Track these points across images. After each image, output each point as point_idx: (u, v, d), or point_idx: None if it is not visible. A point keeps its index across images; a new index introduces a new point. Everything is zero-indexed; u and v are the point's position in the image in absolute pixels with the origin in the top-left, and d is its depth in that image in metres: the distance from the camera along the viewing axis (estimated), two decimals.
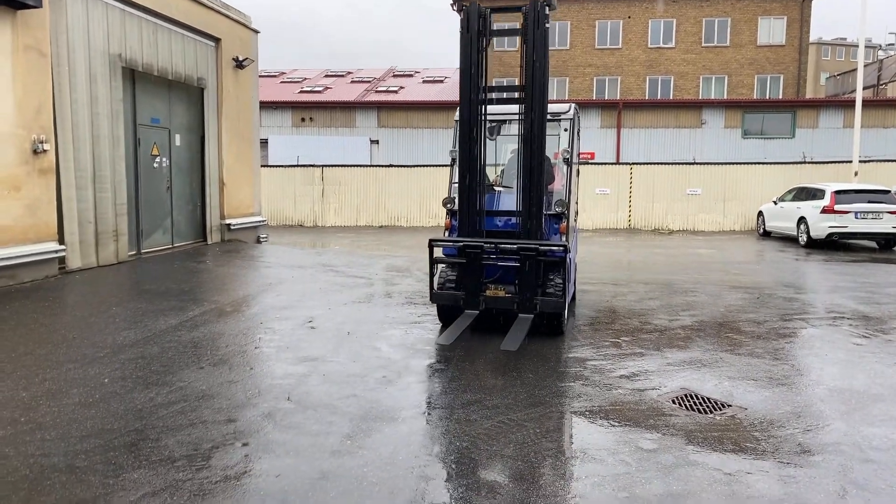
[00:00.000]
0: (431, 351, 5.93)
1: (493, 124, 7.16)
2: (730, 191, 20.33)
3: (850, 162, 18.64)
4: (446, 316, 6.57)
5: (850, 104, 23.98)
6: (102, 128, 10.06)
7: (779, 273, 11.17)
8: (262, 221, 15.28)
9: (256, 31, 14.76)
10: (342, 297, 8.30)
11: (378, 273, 10.54)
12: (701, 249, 14.91)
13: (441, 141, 25.91)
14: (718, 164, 21.02)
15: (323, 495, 3.22)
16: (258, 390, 4.75)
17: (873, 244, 15.28)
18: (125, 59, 10.59)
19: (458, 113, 6.34)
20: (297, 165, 22.60)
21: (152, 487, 3.26)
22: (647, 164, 21.27)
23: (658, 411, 4.45)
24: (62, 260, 9.32)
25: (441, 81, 33.47)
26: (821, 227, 14.66)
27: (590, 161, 23.31)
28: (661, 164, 21.29)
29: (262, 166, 16.94)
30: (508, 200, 6.57)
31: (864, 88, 32.33)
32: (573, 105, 7.15)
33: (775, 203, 17.25)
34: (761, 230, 18.25)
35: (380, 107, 27.89)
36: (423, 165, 22.23)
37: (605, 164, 22.07)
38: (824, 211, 14.62)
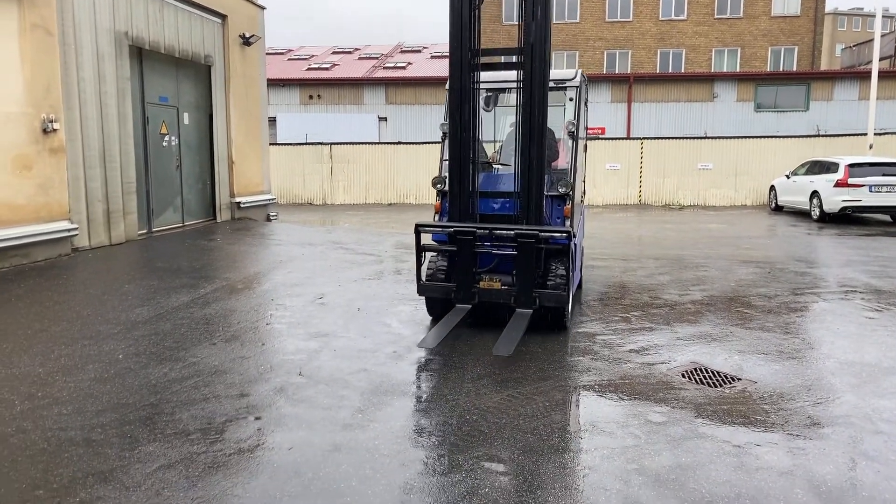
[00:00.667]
0: None
1: (490, 94, 6.58)
2: (741, 165, 20.11)
3: (865, 135, 18.37)
4: (437, 309, 5.95)
5: (865, 76, 23.56)
6: (110, 106, 10.06)
7: (790, 247, 11.09)
8: (272, 200, 15.30)
9: (263, 8, 14.63)
10: (352, 274, 8.33)
11: (387, 250, 10.56)
12: (712, 224, 14.81)
13: None
14: (730, 138, 20.77)
15: (335, 467, 3.26)
16: (270, 365, 4.81)
17: (887, 218, 15.12)
18: (132, 37, 10.55)
19: (448, 81, 5.61)
20: (306, 143, 22.55)
21: (167, 460, 3.32)
22: (658, 138, 21.06)
23: (667, 385, 4.46)
24: (74, 239, 9.40)
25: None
26: (834, 200, 14.50)
27: (600, 136, 23.11)
28: (672, 138, 21.07)
29: (270, 144, 16.92)
30: (507, 180, 5.80)
31: (881, 59, 31.72)
32: (579, 71, 6.38)
33: (788, 177, 17.05)
34: (773, 205, 18.08)
35: (388, 83, 27.70)
36: (432, 142, 22.09)
37: (616, 139, 21.88)
38: (838, 184, 14.44)
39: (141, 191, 11.03)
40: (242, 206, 13.80)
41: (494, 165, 6.39)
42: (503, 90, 6.56)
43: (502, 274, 5.61)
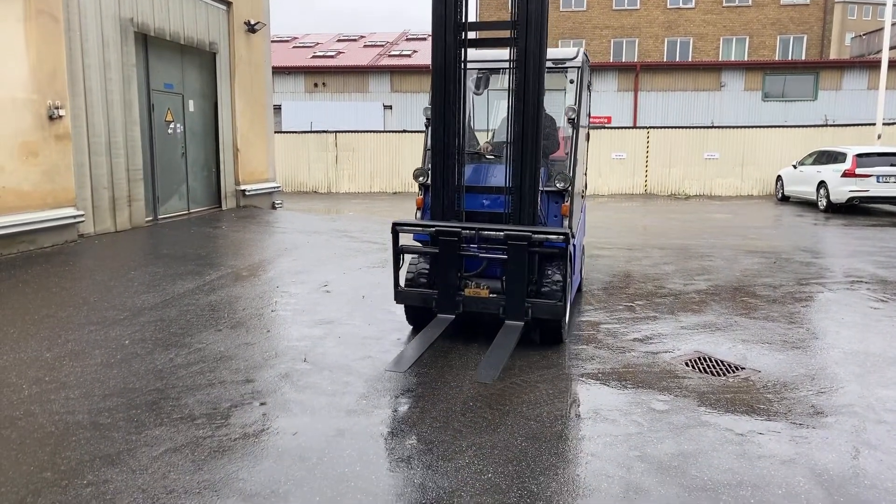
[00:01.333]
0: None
1: (481, 74, 5.99)
2: (748, 155, 20.00)
3: (874, 125, 18.22)
4: (419, 318, 5.25)
5: (875, 65, 23.35)
6: (115, 93, 10.06)
7: (796, 237, 11.05)
8: (277, 187, 15.30)
9: None
10: (357, 262, 8.34)
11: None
12: (718, 214, 14.76)
13: None
14: (737, 127, 20.65)
15: (339, 452, 3.29)
16: (275, 352, 4.83)
17: (895, 208, 15.03)
18: (137, 24, 10.52)
19: (431, 59, 4.91)
20: (311, 131, 22.52)
21: (174, 444, 3.35)
22: (665, 127, 20.94)
23: (671, 374, 4.47)
24: (80, 226, 9.43)
25: None
26: (841, 191, 14.42)
27: (606, 125, 23.00)
28: (679, 127, 20.95)
29: (275, 132, 16.90)
30: (498, 174, 5.10)
31: (891, 48, 31.38)
32: (581, 50, 5.68)
33: (795, 167, 16.96)
34: (780, 195, 17.99)
35: (393, 71, 27.58)
36: None
37: (622, 128, 21.76)
38: (845, 175, 14.36)
39: (146, 178, 11.04)
40: (248, 193, 13.82)
41: (488, 156, 5.66)
42: (496, 70, 5.87)
43: (492, 279, 4.99)
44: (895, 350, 4.98)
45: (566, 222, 5.08)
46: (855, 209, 14.85)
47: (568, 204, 5.09)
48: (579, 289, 6.66)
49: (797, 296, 6.72)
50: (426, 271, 5.20)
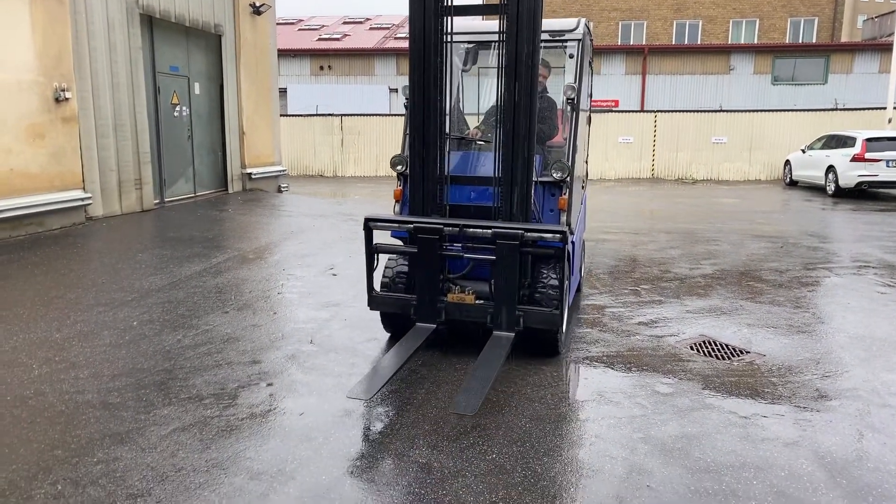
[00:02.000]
0: None
1: (468, 47, 5.36)
2: (756, 139, 19.85)
3: (885, 108, 18.03)
4: (397, 325, 4.63)
5: (887, 48, 23.06)
6: (121, 76, 10.05)
7: (804, 222, 10.99)
8: (283, 171, 15.30)
9: None
10: (363, 246, 8.34)
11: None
12: (725, 199, 14.69)
13: None
14: (746, 111, 20.47)
15: (345, 432, 3.32)
16: (281, 334, 4.87)
17: None
18: (142, 6, 10.48)
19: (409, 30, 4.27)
20: (317, 115, 22.46)
21: (182, 423, 3.39)
22: (672, 111, 20.79)
23: (676, 357, 4.48)
24: (87, 208, 9.48)
25: None
26: (850, 175, 14.31)
27: (613, 108, 22.85)
28: (687, 111, 20.79)
29: (281, 116, 16.87)
30: (489, 162, 4.44)
31: None
32: (582, 20, 4.97)
33: (803, 151, 16.83)
34: (788, 179, 17.88)
35: (399, 54, 27.40)
36: None
37: (629, 111, 21.61)
38: (854, 159, 14.24)
39: (153, 161, 11.06)
40: (254, 177, 13.83)
41: (479, 141, 5.01)
42: (486, 45, 5.22)
43: (479, 281, 4.37)
44: None
45: (564, 217, 4.43)
46: (863, 194, 14.74)
47: (566, 196, 4.42)
48: (578, 288, 6.08)
49: (803, 280, 6.71)
50: (405, 273, 4.63)
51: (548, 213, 4.49)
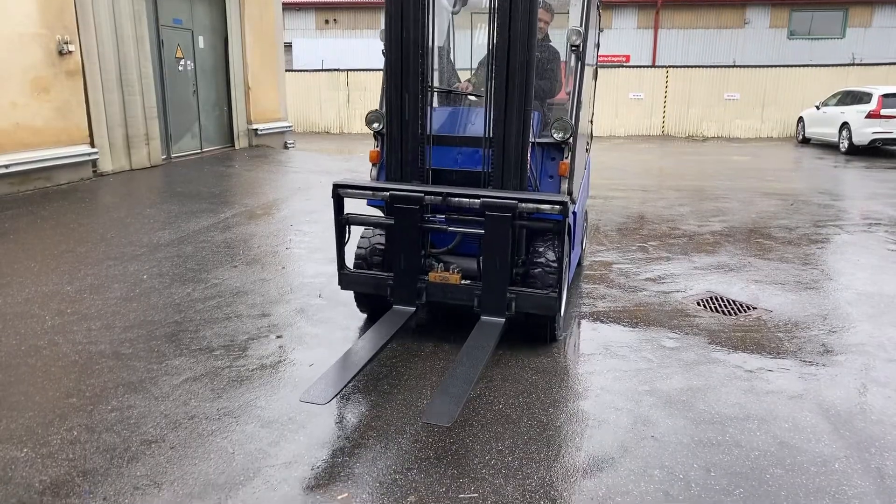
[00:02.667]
0: None
1: None
2: (770, 95, 19.47)
3: None
4: (374, 305, 4.13)
5: None
6: (126, 28, 9.88)
7: (815, 180, 10.87)
8: (289, 127, 15.18)
9: None
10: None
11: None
12: (736, 156, 14.51)
13: None
14: (759, 66, 20.02)
15: (354, 383, 3.37)
16: (290, 287, 4.90)
17: None
18: None
19: None
20: (322, 70, 22.13)
21: (193, 373, 3.45)
22: (685, 67, 20.36)
23: (682, 312, 4.50)
24: (95, 163, 9.46)
25: None
26: (864, 132, 14.07)
27: (624, 64, 22.41)
28: (699, 66, 20.35)
29: (286, 71, 16.64)
30: (479, 120, 3.89)
31: None
32: None
33: (818, 108, 16.52)
34: (800, 137, 17.61)
35: None
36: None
37: (641, 66, 21.18)
38: (870, 116, 13.98)
39: (159, 116, 10.98)
40: (259, 133, 13.73)
41: (470, 97, 4.39)
42: None
43: (467, 258, 3.85)
44: None
45: (565, 185, 3.82)
46: (877, 152, 14.52)
47: (568, 161, 3.81)
48: (579, 263, 5.46)
49: (813, 237, 6.66)
50: (381, 247, 4.10)
51: (546, 180, 3.90)
